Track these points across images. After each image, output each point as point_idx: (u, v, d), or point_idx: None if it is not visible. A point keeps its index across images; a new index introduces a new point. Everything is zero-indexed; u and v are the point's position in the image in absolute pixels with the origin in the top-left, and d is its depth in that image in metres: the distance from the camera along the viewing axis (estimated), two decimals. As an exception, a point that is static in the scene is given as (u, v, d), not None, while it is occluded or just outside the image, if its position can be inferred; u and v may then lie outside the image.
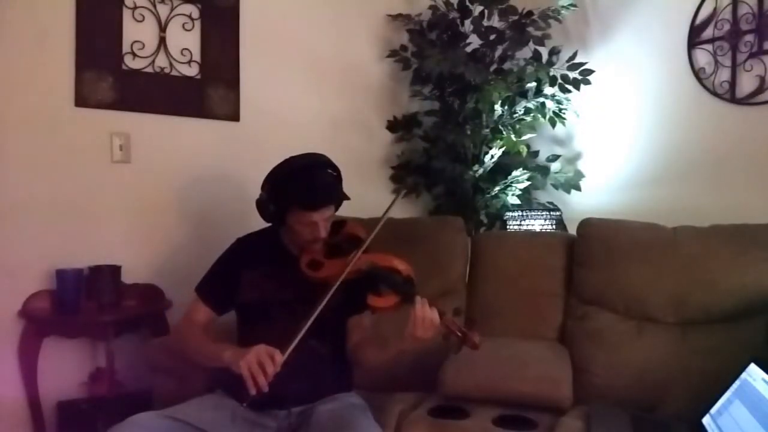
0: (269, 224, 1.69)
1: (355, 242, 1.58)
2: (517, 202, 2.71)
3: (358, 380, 1.69)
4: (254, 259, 1.65)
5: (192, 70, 2.47)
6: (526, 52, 2.78)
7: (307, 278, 1.53)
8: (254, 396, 1.32)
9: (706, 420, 1.47)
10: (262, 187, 1.59)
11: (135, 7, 2.34)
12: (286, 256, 1.64)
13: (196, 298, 1.65)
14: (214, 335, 1.61)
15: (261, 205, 1.59)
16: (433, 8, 2.86)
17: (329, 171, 1.59)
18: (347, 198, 1.57)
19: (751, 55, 2.31)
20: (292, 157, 1.60)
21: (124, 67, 2.32)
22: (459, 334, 1.39)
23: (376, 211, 1.79)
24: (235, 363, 1.36)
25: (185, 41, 2.45)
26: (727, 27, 2.38)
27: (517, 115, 2.75)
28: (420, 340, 1.40)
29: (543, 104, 2.72)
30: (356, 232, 1.63)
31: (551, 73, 2.69)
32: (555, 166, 2.86)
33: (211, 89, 2.51)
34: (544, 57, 2.75)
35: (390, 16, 2.95)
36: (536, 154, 2.91)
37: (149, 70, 2.38)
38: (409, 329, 1.40)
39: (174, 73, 2.43)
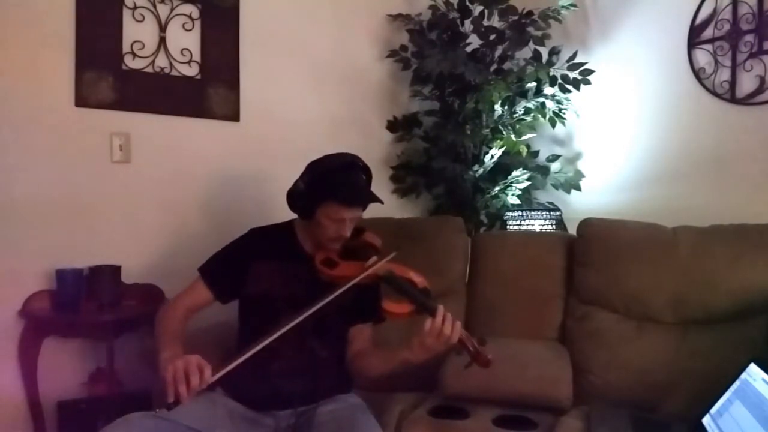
0: (282, 221, 1.70)
1: (371, 250, 1.60)
2: (517, 202, 2.71)
3: (358, 380, 1.69)
4: (267, 251, 1.64)
5: (192, 70, 2.47)
6: (526, 52, 2.78)
7: (320, 275, 1.54)
8: (170, 404, 1.22)
9: (706, 420, 1.47)
10: (300, 178, 1.59)
11: (135, 7, 2.34)
12: (300, 253, 1.65)
13: (197, 279, 1.62)
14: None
15: (295, 195, 1.59)
16: (433, 8, 2.86)
17: (363, 174, 1.62)
18: (381, 201, 1.57)
19: (751, 55, 2.31)
20: (333, 154, 1.61)
21: (124, 67, 2.32)
22: (471, 349, 1.40)
23: (376, 210, 1.79)
24: (164, 366, 1.30)
25: (185, 41, 2.45)
26: (727, 27, 2.38)
27: (517, 115, 2.75)
28: (429, 351, 1.40)
29: (543, 104, 2.72)
30: (373, 241, 1.65)
31: (551, 73, 2.69)
32: (555, 166, 2.86)
33: (211, 89, 2.51)
34: (544, 57, 2.75)
35: (390, 16, 2.95)
36: (536, 154, 2.92)
37: (149, 70, 2.38)
38: (420, 338, 1.39)
39: (174, 73, 2.43)
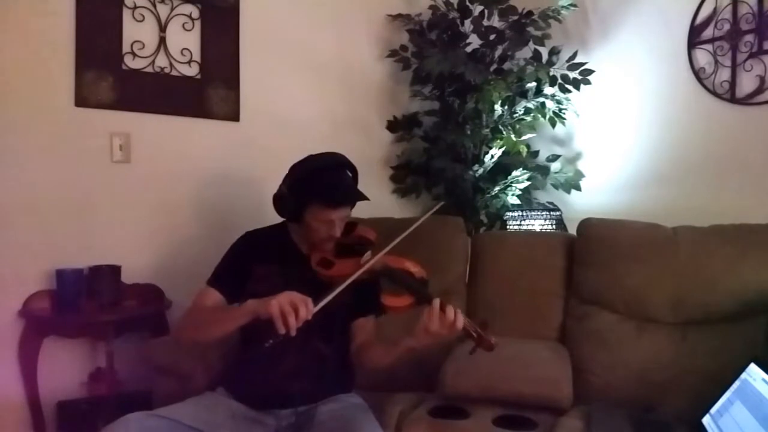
0: (277, 222, 1.70)
1: (366, 244, 1.59)
2: (517, 202, 2.71)
3: (358, 380, 1.69)
4: (263, 254, 1.64)
5: (192, 70, 2.47)
6: (526, 52, 2.78)
7: (317, 276, 1.53)
8: (281, 337, 1.27)
9: (706, 420, 1.47)
10: (283, 182, 1.59)
11: (135, 7, 2.34)
12: (296, 253, 1.64)
13: (205, 287, 1.61)
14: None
15: (280, 200, 1.59)
16: (433, 8, 2.86)
17: (348, 172, 1.61)
18: (366, 198, 1.57)
19: (751, 55, 2.31)
20: (314, 155, 1.61)
21: (124, 67, 2.32)
22: (475, 335, 1.39)
23: (376, 211, 1.79)
24: (264, 304, 1.31)
25: (185, 41, 2.45)
26: (727, 27, 2.38)
27: (517, 115, 2.75)
28: (432, 336, 1.39)
29: (543, 104, 2.72)
30: (366, 235, 1.64)
31: (551, 73, 2.69)
32: (555, 166, 2.86)
33: (211, 89, 2.51)
34: (544, 57, 2.75)
35: (390, 16, 2.95)
36: (536, 154, 2.92)
37: (149, 70, 2.38)
38: (423, 323, 1.39)
39: (174, 73, 2.43)
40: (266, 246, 1.67)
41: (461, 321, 1.38)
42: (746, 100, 2.32)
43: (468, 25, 2.81)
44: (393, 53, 2.90)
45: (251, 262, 1.62)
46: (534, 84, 2.71)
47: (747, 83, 2.32)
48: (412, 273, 1.49)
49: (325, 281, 1.51)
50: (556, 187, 2.84)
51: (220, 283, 1.61)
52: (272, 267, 1.62)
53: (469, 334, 1.40)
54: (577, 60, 2.71)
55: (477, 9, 2.79)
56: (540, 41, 2.71)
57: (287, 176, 1.60)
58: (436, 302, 1.39)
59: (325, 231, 1.56)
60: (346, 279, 1.44)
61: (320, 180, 1.53)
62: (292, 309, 1.28)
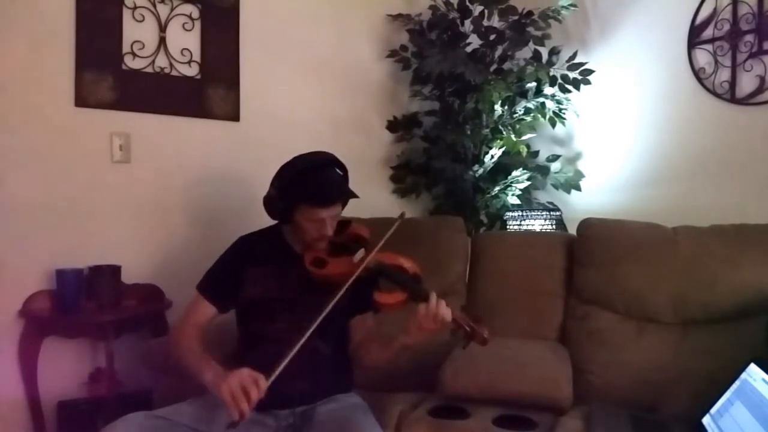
0: (272, 223, 1.70)
1: (359, 242, 1.58)
2: (517, 202, 2.71)
3: (358, 380, 1.69)
4: (258, 256, 1.64)
5: (192, 70, 2.48)
6: (526, 52, 2.78)
7: (311, 276, 1.53)
8: (234, 423, 1.26)
9: (706, 420, 1.47)
10: (272, 184, 1.59)
11: (135, 7, 2.34)
12: (290, 254, 1.64)
13: (197, 296, 1.62)
14: (212, 336, 1.60)
15: (269, 202, 1.59)
16: (433, 8, 2.86)
17: (337, 169, 1.61)
18: (355, 196, 1.57)
19: (751, 55, 2.31)
20: (302, 155, 1.60)
21: (124, 67, 2.32)
22: (467, 329, 1.38)
23: (376, 210, 1.79)
24: (216, 386, 1.31)
25: (185, 41, 2.45)
26: (727, 27, 2.38)
27: (517, 115, 2.75)
28: (425, 332, 1.40)
29: (543, 104, 2.72)
30: (360, 232, 1.64)
31: (551, 73, 2.69)
32: (555, 166, 2.86)
33: (211, 89, 2.51)
34: (544, 57, 2.75)
35: (390, 16, 2.95)
36: (536, 154, 2.92)
37: (149, 70, 2.38)
38: (417, 320, 1.39)
39: (174, 73, 2.43)
40: (260, 248, 1.67)
41: (450, 314, 1.38)
42: (746, 100, 2.32)
43: (468, 25, 2.81)
44: (393, 53, 2.90)
45: (245, 266, 1.62)
46: (534, 84, 2.71)
47: (747, 83, 2.32)
48: (405, 269, 1.49)
49: (319, 280, 1.51)
50: (556, 187, 2.84)
51: (211, 293, 1.61)
52: (267, 268, 1.62)
53: (461, 328, 1.39)
54: (577, 60, 2.71)
55: (477, 9, 2.79)
56: (540, 41, 2.72)
57: (275, 178, 1.59)
58: (433, 298, 1.39)
59: (316, 230, 1.55)
60: (339, 277, 1.45)
61: (308, 179, 1.53)
62: (242, 394, 1.27)
